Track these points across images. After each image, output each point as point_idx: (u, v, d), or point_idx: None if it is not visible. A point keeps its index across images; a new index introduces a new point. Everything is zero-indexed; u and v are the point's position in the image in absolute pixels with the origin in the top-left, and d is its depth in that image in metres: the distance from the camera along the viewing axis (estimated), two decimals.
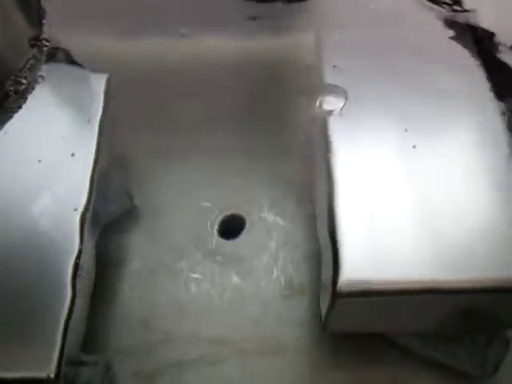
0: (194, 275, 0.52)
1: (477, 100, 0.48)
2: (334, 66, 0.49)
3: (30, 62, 0.39)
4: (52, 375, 0.36)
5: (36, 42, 0.40)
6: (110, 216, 0.51)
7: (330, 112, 0.47)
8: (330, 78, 0.48)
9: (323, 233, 0.45)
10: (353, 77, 0.48)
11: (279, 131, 0.60)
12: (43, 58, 0.40)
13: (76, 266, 0.41)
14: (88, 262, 0.44)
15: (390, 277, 0.39)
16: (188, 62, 0.65)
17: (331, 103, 0.47)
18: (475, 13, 0.55)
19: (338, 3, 0.57)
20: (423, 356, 0.47)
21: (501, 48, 0.52)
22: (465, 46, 0.52)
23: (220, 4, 0.67)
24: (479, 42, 0.53)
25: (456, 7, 0.56)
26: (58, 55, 0.47)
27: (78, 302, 0.41)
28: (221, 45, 0.66)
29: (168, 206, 0.56)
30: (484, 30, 0.54)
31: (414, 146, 0.45)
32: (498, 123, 0.46)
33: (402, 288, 0.39)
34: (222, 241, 0.54)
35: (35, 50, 0.40)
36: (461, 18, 0.55)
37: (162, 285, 0.51)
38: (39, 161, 0.44)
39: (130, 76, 0.58)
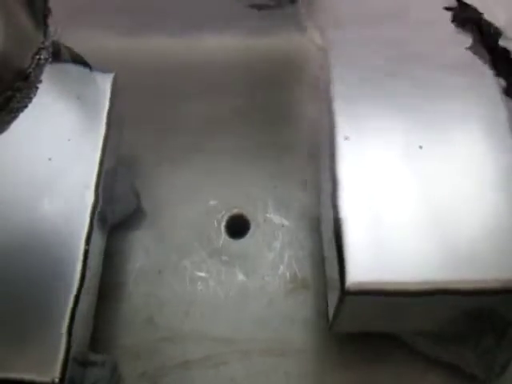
0: (200, 274, 0.52)
1: (484, 99, 0.47)
2: (341, 66, 0.49)
3: (36, 61, 0.39)
4: (56, 380, 0.36)
5: (41, 41, 0.40)
6: (118, 216, 0.51)
7: (336, 111, 0.46)
8: (336, 77, 0.48)
9: (329, 231, 0.45)
10: (359, 76, 0.48)
11: (283, 130, 0.60)
12: (49, 58, 0.40)
13: (83, 266, 0.40)
14: (95, 261, 0.44)
15: (397, 277, 0.39)
16: (191, 61, 0.65)
17: (338, 103, 0.47)
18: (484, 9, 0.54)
19: (340, 2, 0.56)
20: (430, 356, 0.47)
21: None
22: (472, 43, 0.52)
23: (222, 4, 0.66)
24: (486, 39, 0.53)
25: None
26: (64, 54, 0.47)
27: (85, 301, 0.41)
28: (224, 44, 0.66)
29: (173, 205, 0.56)
30: (491, 27, 0.53)
31: (421, 147, 0.44)
32: (505, 123, 0.46)
33: (409, 288, 0.39)
34: (228, 240, 0.54)
35: (41, 50, 0.39)
36: (467, 14, 0.55)
37: (168, 284, 0.51)
38: (47, 159, 0.44)
39: (134, 75, 0.58)
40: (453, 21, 0.54)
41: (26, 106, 0.39)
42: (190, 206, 0.56)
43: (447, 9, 0.55)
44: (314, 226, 0.53)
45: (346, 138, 0.45)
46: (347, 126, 0.46)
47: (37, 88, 0.40)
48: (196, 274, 0.52)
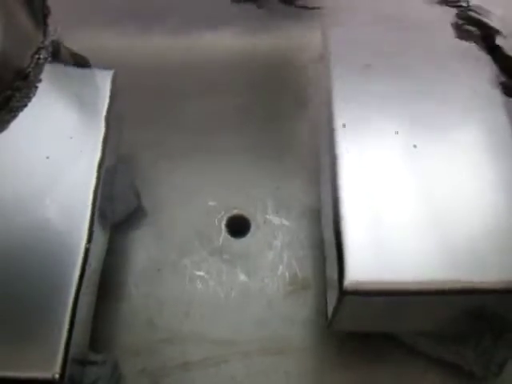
0: (200, 274, 0.52)
1: (484, 99, 0.47)
2: (341, 65, 0.49)
3: (35, 60, 0.39)
4: (57, 375, 0.36)
5: (41, 40, 0.40)
6: (118, 215, 0.51)
7: (336, 111, 0.46)
8: (336, 76, 0.48)
9: (328, 231, 0.45)
10: (359, 76, 0.48)
11: (283, 130, 0.60)
12: (48, 57, 0.40)
13: (83, 264, 0.40)
14: (96, 259, 0.44)
15: (397, 277, 0.39)
16: (191, 61, 0.65)
17: (337, 102, 0.47)
18: (483, 10, 0.54)
19: (339, 3, 0.57)
20: (430, 355, 0.47)
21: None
22: (471, 43, 0.52)
23: (223, 3, 0.67)
24: (487, 39, 0.53)
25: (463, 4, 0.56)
26: (63, 53, 0.47)
27: (85, 300, 0.41)
28: (224, 44, 0.66)
29: (173, 204, 0.56)
30: (492, 27, 0.53)
31: (420, 147, 0.44)
32: (503, 121, 0.46)
33: (408, 288, 0.39)
34: (228, 240, 0.54)
35: (40, 49, 0.39)
36: (468, 14, 0.55)
37: (168, 283, 0.51)
38: (47, 158, 0.44)
39: (134, 75, 0.58)
40: (454, 21, 0.54)
41: (25, 105, 0.39)
42: (190, 206, 0.56)
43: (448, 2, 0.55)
44: (315, 225, 0.53)
45: (346, 139, 0.45)
46: (347, 127, 0.46)
47: (36, 87, 0.40)
48: (196, 274, 0.52)
